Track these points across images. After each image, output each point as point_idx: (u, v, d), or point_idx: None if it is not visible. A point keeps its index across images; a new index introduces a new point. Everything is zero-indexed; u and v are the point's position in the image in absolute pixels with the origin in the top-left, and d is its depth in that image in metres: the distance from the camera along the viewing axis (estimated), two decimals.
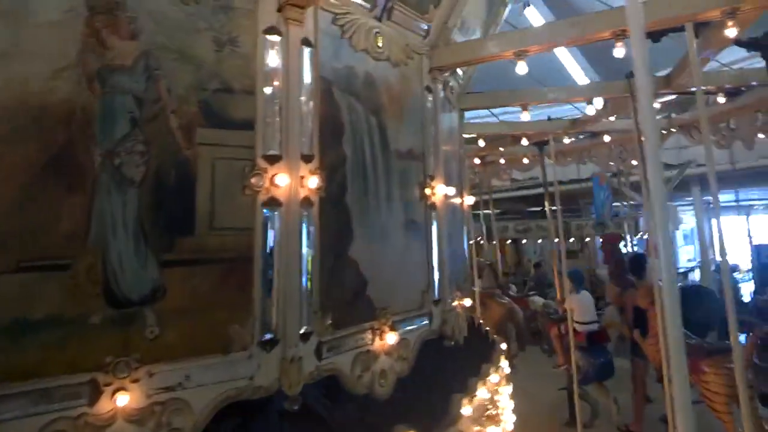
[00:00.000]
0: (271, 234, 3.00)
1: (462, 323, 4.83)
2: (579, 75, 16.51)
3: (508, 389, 4.69)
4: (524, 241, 20.44)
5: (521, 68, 4.15)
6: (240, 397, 2.82)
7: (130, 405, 2.48)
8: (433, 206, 4.29)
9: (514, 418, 4.66)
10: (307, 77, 3.25)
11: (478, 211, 13.21)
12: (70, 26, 2.50)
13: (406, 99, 4.13)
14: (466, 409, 3.51)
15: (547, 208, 8.35)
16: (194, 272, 2.75)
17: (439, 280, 4.29)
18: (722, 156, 9.51)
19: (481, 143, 7.66)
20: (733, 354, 3.69)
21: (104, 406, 2.43)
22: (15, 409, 2.24)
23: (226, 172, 2.89)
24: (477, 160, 9.52)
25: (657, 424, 7.05)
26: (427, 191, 4.24)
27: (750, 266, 14.76)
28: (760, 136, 7.04)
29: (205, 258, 2.79)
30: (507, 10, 5.81)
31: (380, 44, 3.84)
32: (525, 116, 5.81)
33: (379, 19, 3.87)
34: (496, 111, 8.34)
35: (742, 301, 10.82)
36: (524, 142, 7.59)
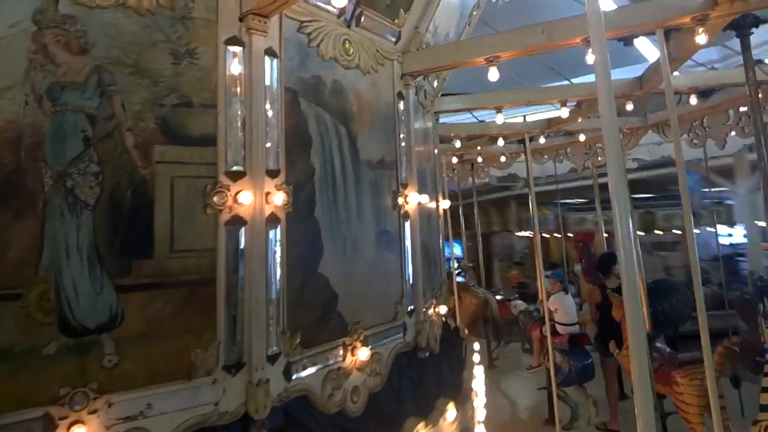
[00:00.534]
0: (235, 254, 2.95)
1: (436, 331, 4.85)
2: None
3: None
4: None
5: (493, 75, 4.15)
6: (205, 424, 2.78)
7: None
8: (406, 215, 4.28)
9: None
10: (272, 89, 3.20)
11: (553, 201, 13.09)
12: (15, 43, 2.41)
13: (377, 107, 4.10)
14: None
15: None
16: (154, 297, 2.69)
17: (414, 290, 4.29)
18: None
19: (458, 144, 7.67)
20: (704, 364, 3.76)
21: None
22: None
23: (187, 191, 2.83)
24: (455, 159, 9.56)
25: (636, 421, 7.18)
26: (400, 200, 4.22)
27: None
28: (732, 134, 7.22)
29: (166, 282, 2.73)
30: (479, 12, 5.80)
31: (349, 52, 3.80)
32: (499, 119, 5.83)
33: (348, 26, 3.83)
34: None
35: None
36: (500, 142, 7.67)
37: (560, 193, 12.01)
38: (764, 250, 13.10)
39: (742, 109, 6.81)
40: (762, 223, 12.50)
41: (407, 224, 4.28)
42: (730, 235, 16.10)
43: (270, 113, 3.17)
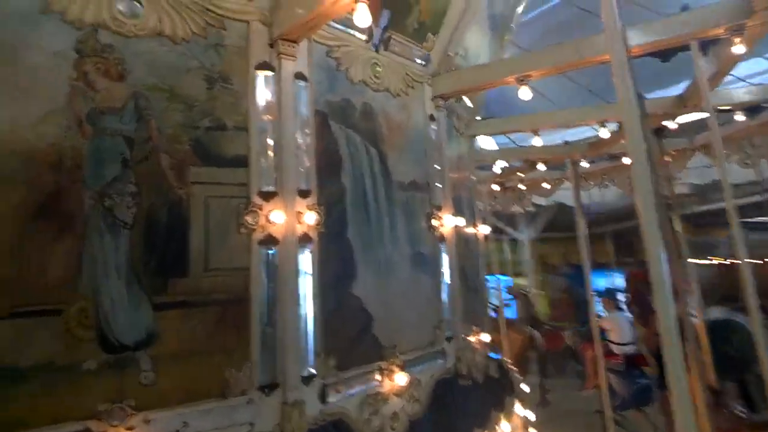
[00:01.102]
0: (268, 273, 3.04)
1: (479, 360, 4.76)
2: None
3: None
4: None
5: (524, 94, 4.19)
6: None
7: None
8: (441, 237, 4.30)
9: None
10: (302, 111, 3.34)
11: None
12: (58, 70, 2.62)
13: (408, 129, 4.20)
14: None
15: None
16: (189, 315, 2.79)
17: (452, 315, 4.26)
18: None
19: (497, 169, 7.69)
20: None
21: None
22: None
23: (220, 211, 2.96)
24: (496, 187, 9.52)
25: None
26: (435, 222, 4.25)
27: None
28: None
29: (200, 300, 2.83)
30: (510, 37, 5.92)
31: (378, 75, 3.94)
32: (536, 141, 5.84)
33: (376, 50, 3.98)
34: (512, 136, 8.42)
35: None
36: (541, 167, 7.63)
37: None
38: None
39: None
40: None
41: (443, 247, 4.29)
42: None
43: (300, 135, 3.30)
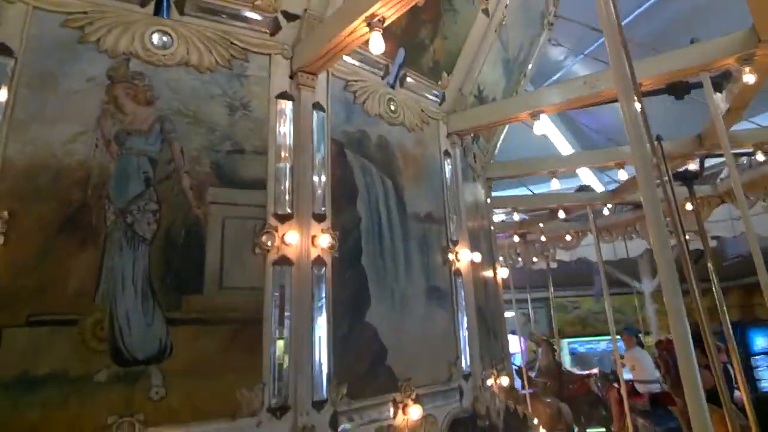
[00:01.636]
0: (282, 294, 3.11)
1: (499, 405, 4.68)
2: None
3: None
4: None
5: (538, 128, 4.33)
6: None
7: None
8: (458, 272, 4.34)
9: None
10: (319, 139, 3.51)
11: None
12: (91, 94, 2.85)
13: (424, 163, 4.34)
14: None
15: None
16: (202, 332, 2.86)
17: (470, 352, 4.23)
18: None
19: (516, 217, 7.74)
20: None
21: None
22: None
23: (237, 231, 3.08)
24: (516, 238, 9.54)
25: None
26: (450, 256, 4.30)
27: None
28: None
29: (214, 318, 2.91)
30: (526, 80, 6.14)
31: (394, 110, 4.13)
32: (555, 184, 5.93)
33: (392, 87, 4.19)
34: (531, 187, 8.52)
35: None
36: (561, 214, 7.66)
37: None
38: None
39: None
40: None
41: (459, 281, 4.32)
42: None
43: (316, 162, 3.45)
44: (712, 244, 10.72)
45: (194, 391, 2.76)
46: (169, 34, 3.15)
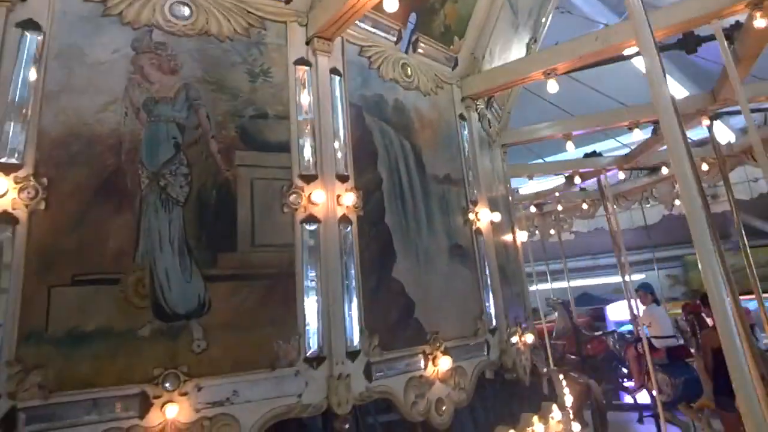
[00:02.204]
0: (311, 250, 3.20)
1: (525, 362, 4.74)
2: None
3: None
4: None
5: (552, 87, 4.36)
6: (288, 415, 2.90)
7: (180, 418, 2.62)
8: (478, 231, 4.40)
9: None
10: (338, 103, 3.58)
11: None
12: (117, 65, 2.94)
13: (440, 126, 4.39)
14: None
15: None
16: (238, 287, 2.95)
17: (494, 308, 4.30)
18: None
19: (533, 186, 7.76)
20: None
21: (154, 418, 2.58)
22: (68, 417, 2.42)
23: (265, 192, 3.17)
24: (533, 209, 9.56)
25: None
26: (471, 216, 4.36)
27: None
28: None
29: (249, 274, 3.00)
30: (536, 47, 6.15)
31: (408, 74, 4.18)
32: (570, 146, 5.94)
33: (405, 52, 4.24)
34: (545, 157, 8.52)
35: None
36: (577, 180, 7.66)
37: None
38: None
39: None
40: None
41: (480, 240, 4.38)
42: None
43: (336, 124, 3.53)
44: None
45: (234, 344, 2.86)
46: (188, 5, 3.22)
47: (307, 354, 3.03)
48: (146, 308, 2.71)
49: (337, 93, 3.61)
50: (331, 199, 3.32)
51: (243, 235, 3.04)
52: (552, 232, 10.45)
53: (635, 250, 13.20)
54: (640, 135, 6.27)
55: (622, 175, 7.94)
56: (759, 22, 3.81)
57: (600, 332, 11.10)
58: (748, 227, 8.25)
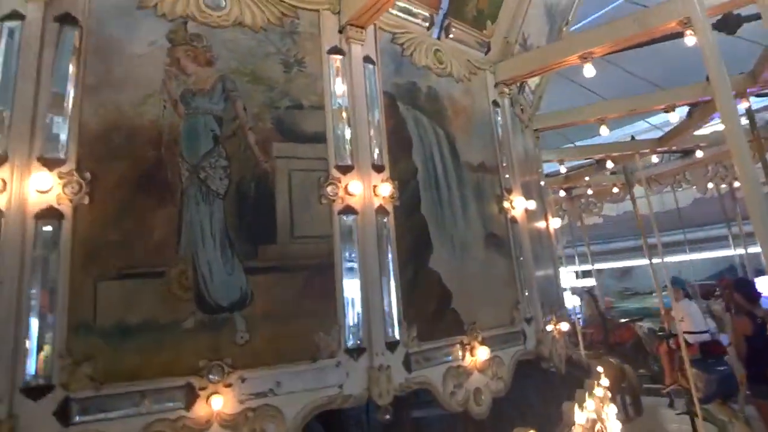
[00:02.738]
0: (349, 241, 3.20)
1: (561, 351, 4.70)
2: None
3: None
4: None
5: (588, 71, 4.26)
6: (330, 406, 2.92)
7: (225, 410, 2.65)
8: (513, 220, 4.35)
9: None
10: (372, 92, 3.55)
11: None
12: (154, 57, 2.95)
13: (473, 113, 4.34)
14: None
15: None
16: (279, 279, 2.97)
17: (529, 296, 4.27)
18: None
19: (563, 169, 7.65)
20: None
21: (200, 410, 2.61)
22: (118, 409, 2.47)
23: (303, 183, 3.17)
24: (563, 193, 9.44)
25: None
26: (506, 204, 4.32)
27: None
28: None
29: (289, 265, 3.01)
30: (568, 28, 6.02)
31: (441, 60, 4.13)
32: (604, 131, 5.82)
33: (438, 38, 4.18)
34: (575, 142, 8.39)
35: None
36: (609, 164, 7.53)
37: None
38: None
39: None
40: None
41: (516, 228, 4.34)
42: None
43: (371, 114, 3.50)
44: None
45: (276, 336, 2.88)
46: None
47: (348, 345, 3.04)
48: (190, 300, 2.73)
49: (371, 81, 3.57)
50: (367, 189, 3.31)
51: (282, 227, 3.05)
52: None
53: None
54: (674, 117, 6.12)
55: (655, 159, 7.76)
56: None
57: (627, 319, 10.97)
58: None
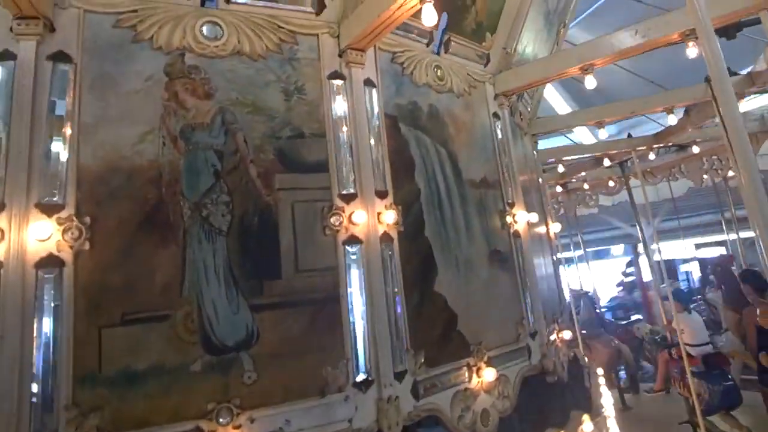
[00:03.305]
0: (355, 272, 3.13)
1: (563, 358, 4.68)
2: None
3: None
4: None
5: (590, 82, 4.17)
6: None
7: None
8: (516, 234, 4.29)
9: None
10: (374, 115, 3.46)
11: None
12: (151, 92, 2.85)
13: (474, 127, 4.25)
14: None
15: None
16: (285, 315, 2.90)
17: (533, 311, 4.22)
18: None
19: (561, 169, 7.59)
20: None
21: None
22: None
23: (306, 214, 3.09)
24: (559, 188, 9.38)
25: None
26: (509, 219, 4.25)
27: None
28: None
29: (294, 300, 2.95)
30: (565, 31, 5.91)
31: (441, 76, 4.03)
32: (602, 134, 5.75)
33: (437, 53, 4.08)
34: (573, 138, 8.31)
35: None
36: (606, 162, 7.47)
37: None
38: None
39: None
40: None
41: (519, 243, 4.28)
42: None
43: (374, 138, 3.41)
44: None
45: (283, 373, 2.83)
46: (219, 24, 3.11)
47: (356, 378, 2.99)
48: (196, 343, 2.68)
49: (373, 105, 3.48)
50: (371, 217, 3.23)
51: (287, 261, 2.97)
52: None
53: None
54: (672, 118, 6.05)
55: (652, 156, 7.70)
56: None
57: (625, 321, 11.01)
58: None
